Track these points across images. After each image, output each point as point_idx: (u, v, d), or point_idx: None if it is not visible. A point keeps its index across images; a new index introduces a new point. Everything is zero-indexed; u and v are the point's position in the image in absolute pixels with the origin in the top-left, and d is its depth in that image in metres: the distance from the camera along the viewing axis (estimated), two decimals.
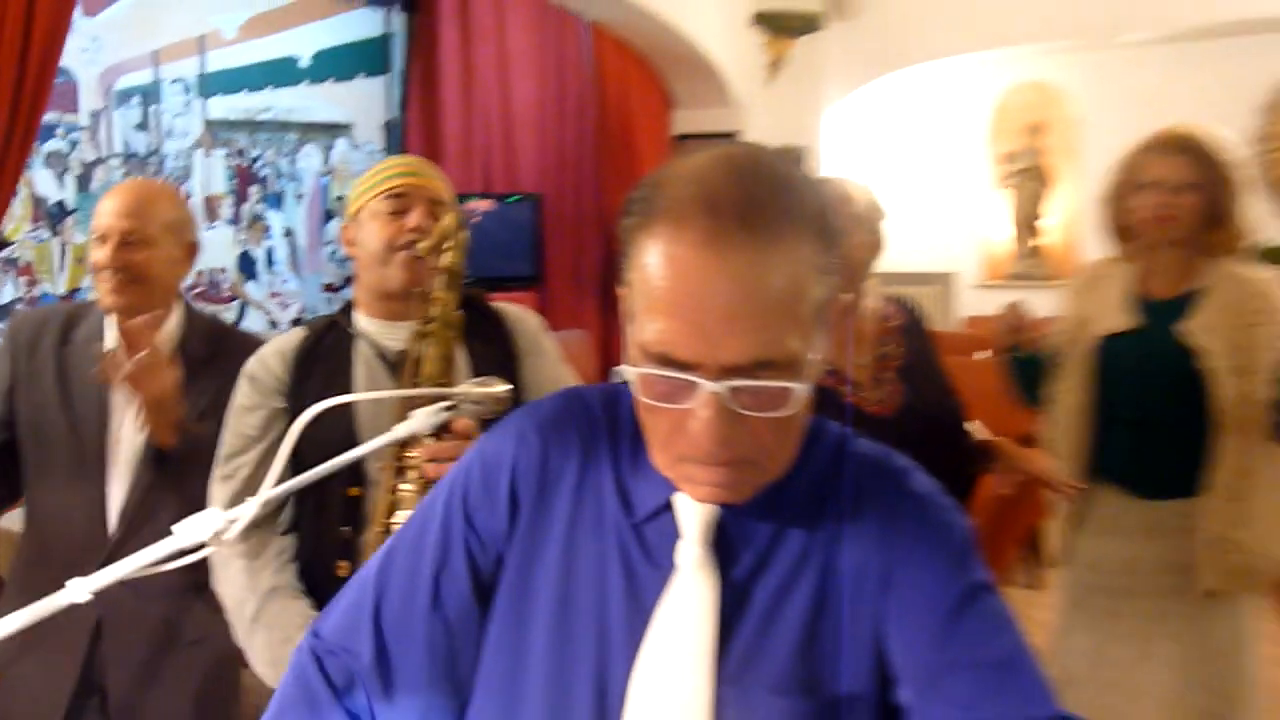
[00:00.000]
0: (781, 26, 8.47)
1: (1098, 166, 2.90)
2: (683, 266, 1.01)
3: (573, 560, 1.16)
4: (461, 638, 1.19)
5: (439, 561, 1.21)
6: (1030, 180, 9.35)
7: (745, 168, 1.04)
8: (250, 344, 2.39)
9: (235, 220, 6.62)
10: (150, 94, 6.10)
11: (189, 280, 6.32)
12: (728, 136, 8.34)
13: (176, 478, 2.31)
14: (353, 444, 1.40)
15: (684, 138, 8.49)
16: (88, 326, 2.46)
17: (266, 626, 1.94)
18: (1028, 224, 9.38)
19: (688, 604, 1.10)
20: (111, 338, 2.41)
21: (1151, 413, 2.80)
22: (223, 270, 6.57)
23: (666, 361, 1.02)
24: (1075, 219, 8.94)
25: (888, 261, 9.45)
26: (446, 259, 1.96)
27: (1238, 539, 2.72)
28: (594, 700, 1.12)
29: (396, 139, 7.48)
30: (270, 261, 6.81)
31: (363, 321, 2.13)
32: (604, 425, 1.20)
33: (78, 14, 5.46)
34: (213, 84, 6.42)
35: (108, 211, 2.38)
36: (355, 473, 1.93)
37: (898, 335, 2.60)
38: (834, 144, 8.95)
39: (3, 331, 2.53)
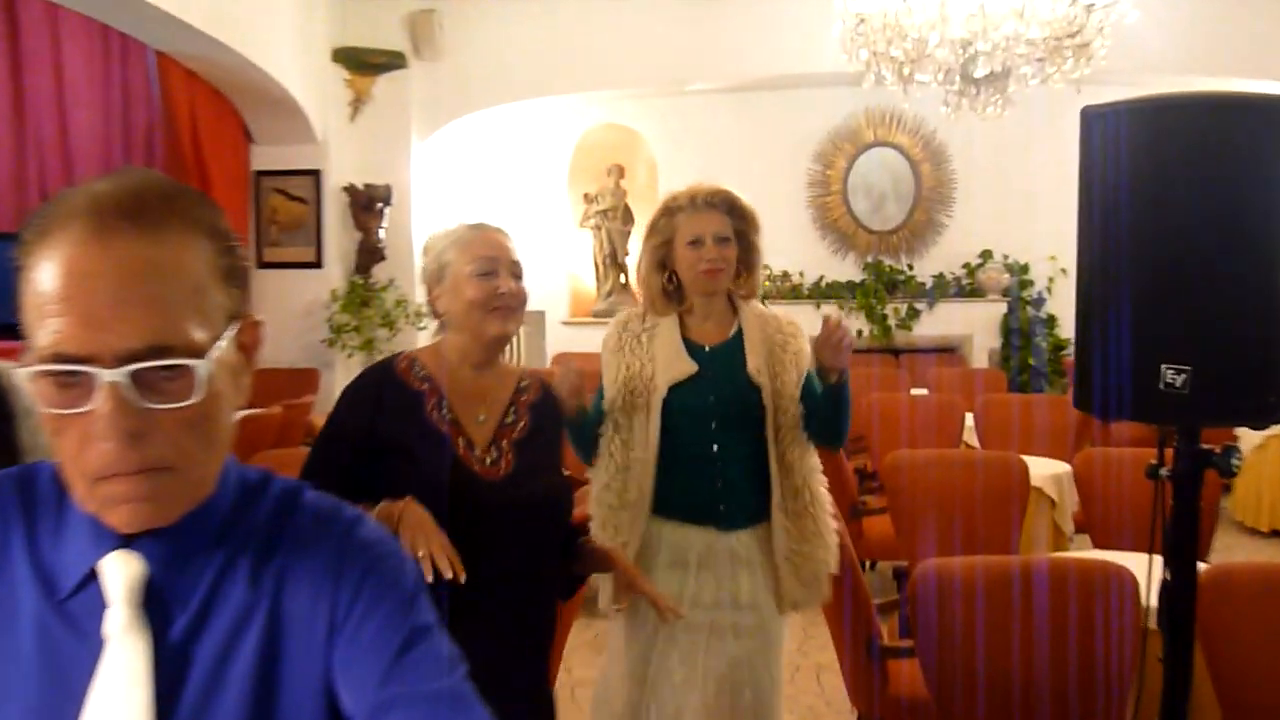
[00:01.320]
0: (363, 64, 8.73)
1: None
2: (68, 264, 0.99)
3: (19, 651, 1.09)
4: None
5: None
6: (612, 219, 9.98)
7: (132, 177, 1.06)
8: None
9: None
10: None
11: None
12: (311, 173, 8.54)
13: None
14: None
15: (264, 174, 8.55)
16: None
17: None
18: (611, 262, 10.01)
19: (120, 675, 1.06)
20: None
21: (729, 450, 2.97)
22: None
23: (60, 359, 0.99)
24: None
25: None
26: None
27: (806, 552, 2.98)
28: None
29: None
30: None
31: None
32: (16, 507, 1.12)
33: None
34: None
35: None
36: None
37: (526, 409, 2.56)
38: (421, 182, 9.20)
39: None
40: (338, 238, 8.78)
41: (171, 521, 1.06)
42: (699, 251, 2.95)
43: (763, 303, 3.21)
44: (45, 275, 1.00)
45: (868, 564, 6.06)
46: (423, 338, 8.59)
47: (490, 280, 2.41)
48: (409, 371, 2.48)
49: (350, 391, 2.50)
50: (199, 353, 1.02)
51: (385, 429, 2.35)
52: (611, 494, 3.01)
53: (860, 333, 9.97)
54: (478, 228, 2.53)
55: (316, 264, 8.63)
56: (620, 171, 10.03)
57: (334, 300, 8.49)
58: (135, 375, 0.99)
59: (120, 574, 1.07)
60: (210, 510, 1.11)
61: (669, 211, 3.02)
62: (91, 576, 1.08)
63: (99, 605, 1.07)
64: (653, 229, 3.06)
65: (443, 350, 2.52)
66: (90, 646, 1.06)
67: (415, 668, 1.10)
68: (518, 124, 9.90)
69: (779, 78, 9.01)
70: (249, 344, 1.12)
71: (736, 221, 2.99)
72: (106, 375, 0.98)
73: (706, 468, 2.97)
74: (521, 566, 2.36)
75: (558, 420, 2.62)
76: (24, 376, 1.01)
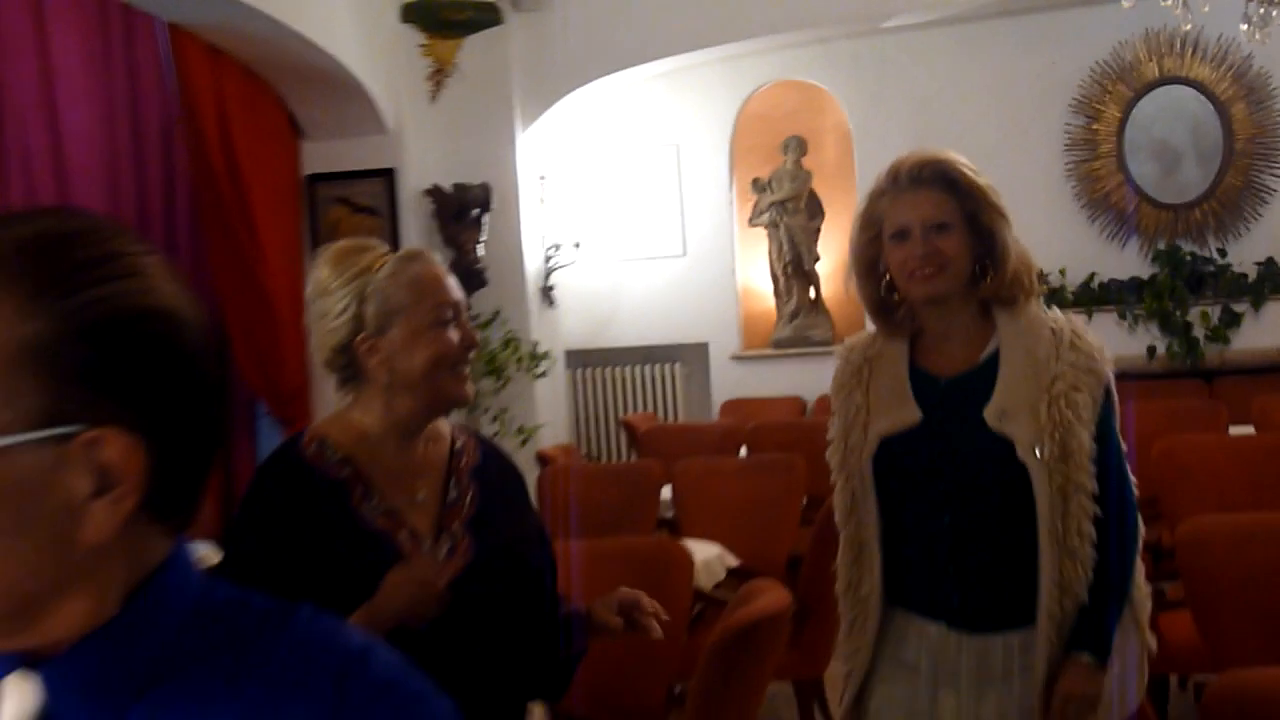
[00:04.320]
0: (443, 22, 8.23)
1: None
2: None
3: None
4: None
5: None
6: (794, 212, 9.36)
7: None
8: None
9: None
10: None
11: None
12: (381, 174, 8.21)
13: None
14: None
15: (319, 178, 8.17)
16: None
17: None
18: (796, 270, 9.40)
19: None
20: None
21: (963, 525, 2.79)
22: None
23: None
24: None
25: (615, 335, 9.18)
26: None
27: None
28: None
29: None
30: None
31: None
32: None
33: None
34: None
35: None
36: None
37: (469, 478, 2.62)
38: (532, 180, 8.80)
39: None
40: None
41: None
42: (905, 247, 2.78)
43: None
44: None
45: (1172, 679, 5.49)
46: (541, 387, 8.49)
47: (452, 331, 2.49)
48: (320, 457, 2.51)
49: (247, 507, 2.56)
50: None
51: (302, 543, 2.40)
52: (845, 579, 2.97)
53: (1153, 351, 9.17)
54: (420, 259, 2.59)
55: None
56: (801, 146, 9.42)
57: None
58: None
59: (12, 703, 1.16)
60: (125, 639, 1.15)
61: (874, 195, 2.89)
62: None
63: None
64: (858, 221, 2.93)
65: (355, 421, 2.56)
66: None
67: None
68: (659, 95, 9.45)
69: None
70: (108, 465, 1.09)
71: (961, 200, 2.77)
72: None
73: (934, 546, 2.83)
74: (499, 672, 2.48)
75: (511, 480, 2.69)
76: None
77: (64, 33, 7.16)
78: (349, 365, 2.54)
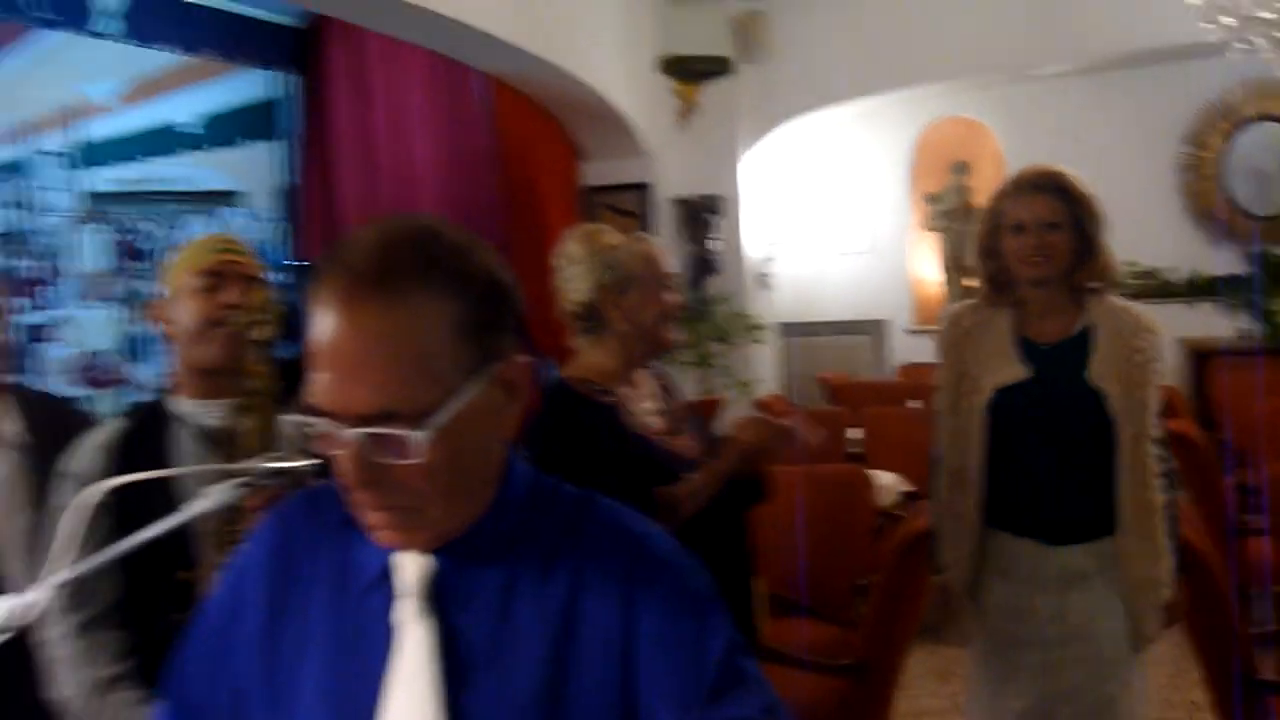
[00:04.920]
0: (689, 72, 8.59)
1: None
2: (325, 323, 1.13)
3: (312, 638, 1.25)
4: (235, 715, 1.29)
5: (212, 661, 1.32)
6: (958, 220, 9.43)
7: (391, 234, 1.16)
8: (81, 412, 2.50)
9: (119, 300, 6.53)
10: (20, 168, 6.04)
11: (72, 362, 6.30)
12: (640, 187, 8.50)
13: None
14: (179, 528, 1.41)
15: (594, 190, 8.57)
16: None
17: None
18: (958, 265, 9.44)
19: (411, 662, 1.18)
20: None
21: (1058, 460, 2.83)
22: (108, 352, 6.46)
23: (317, 412, 1.13)
24: None
25: (818, 311, 9.42)
26: (260, 332, 2.07)
27: (1156, 576, 2.80)
28: None
29: (290, 205, 7.49)
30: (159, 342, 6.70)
31: (182, 403, 2.18)
32: (335, 512, 1.27)
33: None
34: (92, 155, 6.38)
35: None
36: (186, 556, 2.00)
37: (669, 393, 2.81)
38: (751, 191, 9.02)
39: None
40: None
41: (423, 547, 1.21)
42: (1021, 239, 2.82)
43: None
44: (315, 326, 1.14)
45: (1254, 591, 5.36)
46: (758, 354, 8.62)
47: (675, 294, 2.67)
48: (589, 391, 2.60)
49: (540, 427, 2.54)
50: (426, 414, 1.11)
51: (590, 450, 2.46)
52: (945, 502, 2.98)
53: (1245, 333, 8.91)
54: (647, 240, 2.74)
55: None
56: (964, 168, 9.45)
57: None
58: (368, 435, 1.11)
59: (411, 570, 1.21)
60: (493, 517, 1.23)
61: (998, 196, 2.93)
62: (386, 572, 1.23)
63: (391, 597, 1.22)
64: (984, 215, 2.98)
65: (599, 362, 2.65)
66: (384, 632, 1.21)
67: (731, 697, 1.16)
68: (851, 124, 9.50)
69: (1135, 54, 8.22)
70: (512, 382, 1.21)
71: (1070, 207, 2.82)
72: (343, 433, 1.12)
73: (1031, 478, 2.86)
74: (724, 524, 2.59)
75: (677, 389, 2.85)
76: (287, 421, 1.18)
77: (411, 85, 7.60)
78: (590, 318, 2.65)
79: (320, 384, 1.14)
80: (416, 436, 1.11)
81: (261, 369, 2.08)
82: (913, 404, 7.25)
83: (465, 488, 1.21)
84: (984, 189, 9.22)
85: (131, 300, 6.56)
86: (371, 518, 1.17)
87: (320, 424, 1.14)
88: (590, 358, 2.68)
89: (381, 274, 1.12)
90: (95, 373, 6.39)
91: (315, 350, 1.14)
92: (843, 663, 3.66)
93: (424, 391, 1.12)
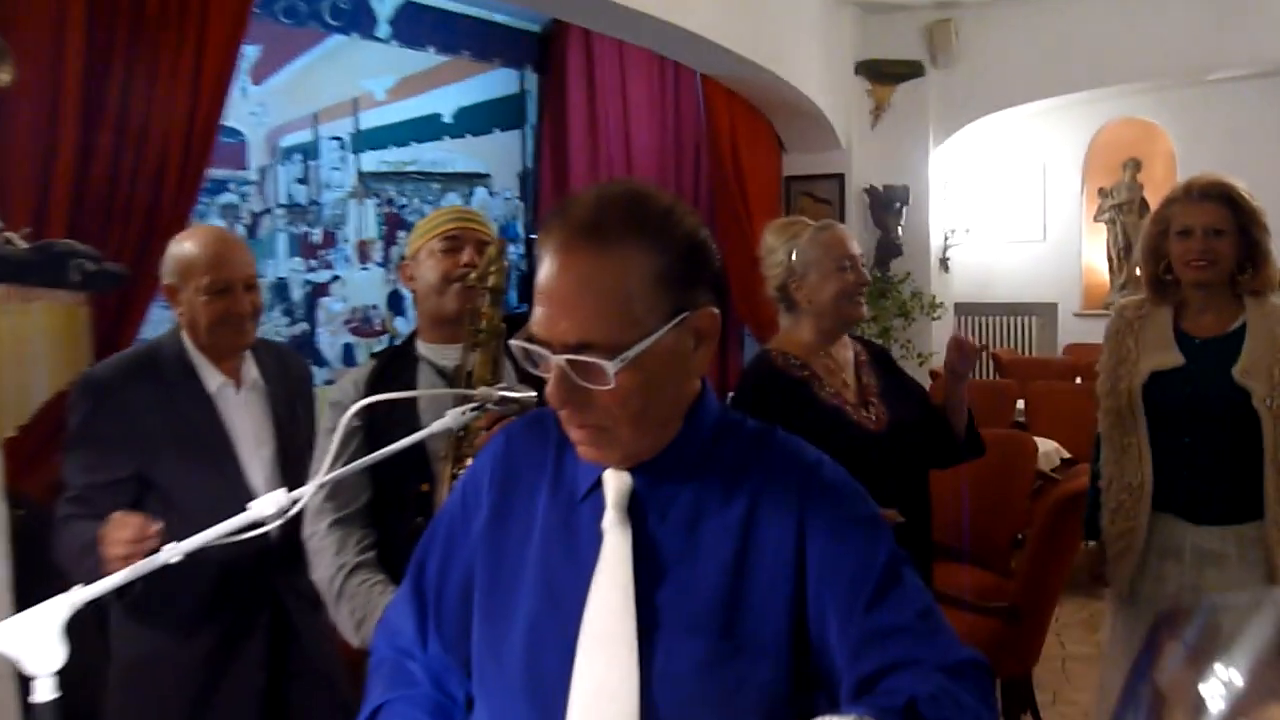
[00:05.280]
0: (884, 74, 8.56)
1: None
2: (546, 266, 1.22)
3: (532, 536, 1.33)
4: (465, 606, 1.38)
5: (446, 553, 1.41)
6: (1127, 213, 9.18)
7: (607, 195, 1.24)
8: (295, 354, 2.71)
9: (385, 262, 6.94)
10: (310, 151, 6.47)
11: (345, 315, 6.77)
12: (835, 178, 8.50)
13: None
14: (419, 447, 1.58)
15: (793, 179, 8.61)
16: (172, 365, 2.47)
17: (348, 598, 2.15)
18: (1125, 255, 9.21)
19: (612, 562, 1.25)
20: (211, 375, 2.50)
21: (1202, 444, 2.79)
22: (374, 307, 6.90)
23: (532, 340, 1.22)
24: None
25: (993, 293, 9.19)
26: (492, 280, 2.18)
27: None
28: (559, 649, 1.25)
29: (530, 187, 7.77)
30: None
31: (422, 347, 2.33)
32: (554, 430, 1.35)
33: (247, 82, 5.92)
34: (365, 140, 6.77)
35: (234, 261, 2.42)
36: (425, 471, 2.14)
37: (869, 367, 2.79)
38: (937, 181, 8.93)
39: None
40: (858, 235, 8.41)
41: (618, 463, 1.28)
42: (1187, 243, 2.77)
43: None
44: (539, 269, 1.23)
45: None
46: (936, 329, 8.53)
47: (847, 274, 2.66)
48: (785, 364, 2.69)
49: (740, 395, 2.69)
50: (620, 348, 1.18)
51: (780, 418, 2.51)
52: (1110, 474, 2.93)
53: None
54: (831, 228, 2.76)
55: None
56: (1137, 165, 9.20)
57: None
58: (569, 361, 1.19)
59: (613, 485, 1.28)
60: (683, 444, 1.29)
61: (1167, 201, 2.89)
62: (597, 485, 1.30)
63: (600, 506, 1.28)
64: (1153, 218, 2.94)
65: (797, 337, 2.73)
66: (594, 535, 1.27)
67: (892, 597, 1.19)
68: (1032, 124, 9.34)
69: None
70: (703, 330, 1.26)
71: (1236, 216, 2.76)
72: (553, 357, 1.20)
73: (1174, 458, 2.82)
74: (907, 495, 2.59)
75: (890, 363, 2.86)
76: (514, 344, 1.27)
77: (636, 80, 7.77)
78: (787, 298, 2.74)
79: (538, 316, 1.22)
80: (609, 366, 1.17)
81: (491, 313, 2.17)
82: (1077, 381, 7.16)
83: (653, 415, 1.25)
84: (1155, 186, 9.11)
85: (395, 264, 6.95)
86: (573, 434, 1.26)
87: (536, 349, 1.21)
88: (790, 333, 2.77)
89: (595, 226, 1.20)
90: (362, 324, 6.81)
91: (538, 288, 1.23)
92: (999, 605, 3.70)
93: (620, 329, 1.18)
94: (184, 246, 2.41)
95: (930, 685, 1.13)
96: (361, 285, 6.85)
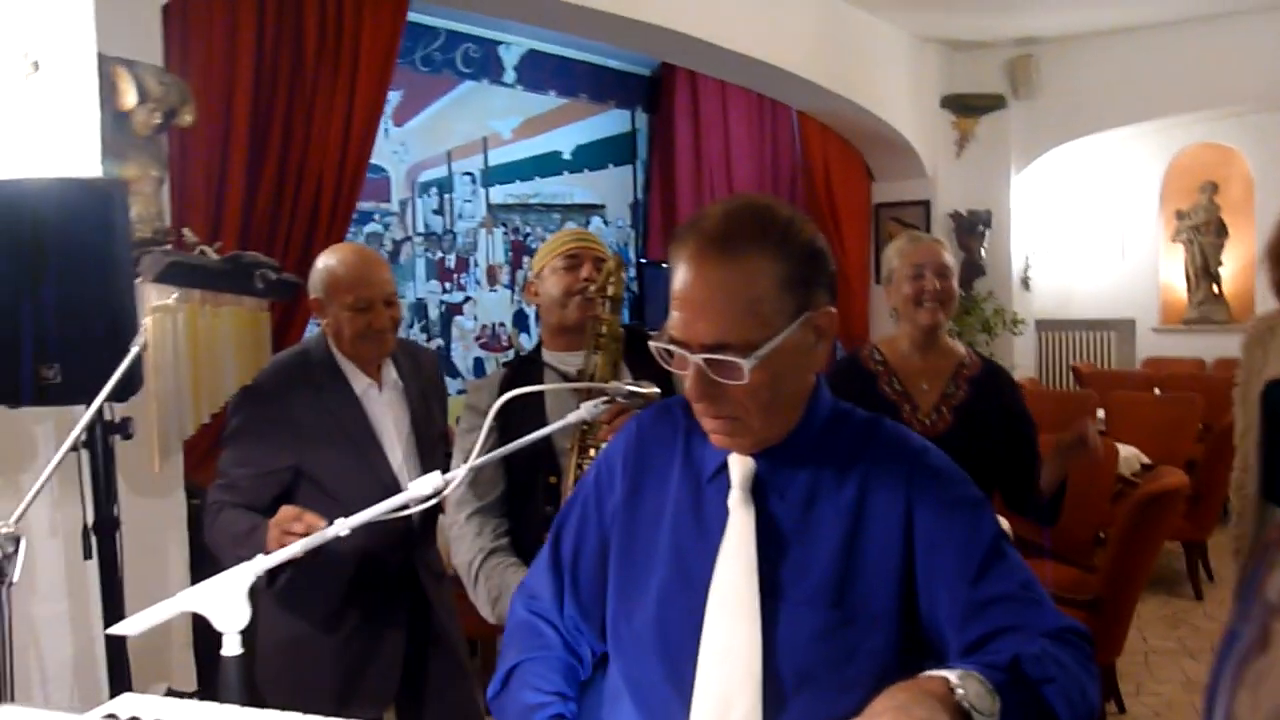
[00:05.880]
0: (968, 107, 8.46)
1: (1269, 220, 2.68)
2: (681, 274, 1.23)
3: (664, 513, 1.35)
4: (601, 573, 1.40)
5: (582, 526, 1.44)
6: (1204, 234, 8.87)
7: (733, 209, 1.26)
8: (426, 350, 2.74)
9: (511, 285, 7.07)
10: (444, 185, 6.64)
11: (475, 331, 6.92)
12: (921, 204, 8.41)
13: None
14: (548, 443, 1.61)
15: (882, 206, 8.53)
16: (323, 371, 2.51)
17: (485, 578, 2.17)
18: (1203, 273, 8.91)
19: (737, 537, 1.27)
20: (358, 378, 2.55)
21: None
22: (501, 324, 7.04)
23: (673, 341, 1.24)
24: (1248, 269, 8.45)
25: (1073, 309, 8.95)
26: (611, 290, 2.20)
27: None
28: (687, 614, 1.28)
29: (641, 216, 7.85)
30: (538, 318, 7.22)
31: (547, 355, 2.34)
32: (682, 418, 1.39)
33: (390, 124, 6.09)
34: (493, 175, 6.92)
35: (375, 280, 2.44)
36: (554, 464, 2.16)
37: (966, 382, 2.65)
38: (1019, 207, 8.78)
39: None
40: None
41: (748, 450, 1.29)
42: None
43: None
44: (674, 278, 1.25)
45: None
46: (1018, 345, 8.42)
47: (919, 281, 2.59)
48: (868, 358, 2.71)
49: (832, 375, 2.54)
50: (751, 347, 1.19)
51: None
52: (1236, 480, 2.76)
53: None
54: (916, 239, 2.70)
55: None
56: (1214, 188, 8.85)
57: None
58: (707, 360, 1.21)
59: (738, 468, 1.30)
60: (802, 431, 1.30)
61: None
62: (723, 467, 1.31)
63: (726, 487, 1.30)
64: (1278, 224, 2.63)
65: (895, 339, 2.71)
66: (722, 513, 1.29)
67: (996, 572, 1.21)
68: (1110, 149, 9.06)
69: None
70: (822, 327, 1.27)
71: None
72: (691, 357, 1.22)
73: None
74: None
75: (1006, 390, 2.66)
76: (654, 346, 1.28)
77: (737, 118, 7.78)
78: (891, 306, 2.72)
79: (675, 320, 1.23)
80: (744, 363, 1.19)
81: (611, 319, 2.18)
82: (1156, 392, 6.96)
83: (780, 406, 1.27)
84: (1231, 208, 8.81)
85: (521, 286, 7.08)
86: (708, 424, 1.28)
87: (675, 350, 1.23)
88: (891, 336, 2.75)
89: (725, 237, 1.21)
90: (491, 340, 6.94)
91: (674, 294, 1.24)
92: (1083, 598, 3.59)
93: (752, 330, 1.20)
94: (330, 264, 2.44)
95: (1034, 647, 1.14)
96: (490, 305, 6.99)
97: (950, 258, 2.68)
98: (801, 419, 1.31)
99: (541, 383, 2.26)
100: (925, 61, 8.31)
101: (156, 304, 2.15)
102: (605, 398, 1.68)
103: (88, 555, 2.29)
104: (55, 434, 2.69)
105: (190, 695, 2.99)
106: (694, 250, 1.23)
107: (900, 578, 1.24)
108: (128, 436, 2.30)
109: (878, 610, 1.24)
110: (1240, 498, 2.77)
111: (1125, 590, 3.64)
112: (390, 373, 2.57)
